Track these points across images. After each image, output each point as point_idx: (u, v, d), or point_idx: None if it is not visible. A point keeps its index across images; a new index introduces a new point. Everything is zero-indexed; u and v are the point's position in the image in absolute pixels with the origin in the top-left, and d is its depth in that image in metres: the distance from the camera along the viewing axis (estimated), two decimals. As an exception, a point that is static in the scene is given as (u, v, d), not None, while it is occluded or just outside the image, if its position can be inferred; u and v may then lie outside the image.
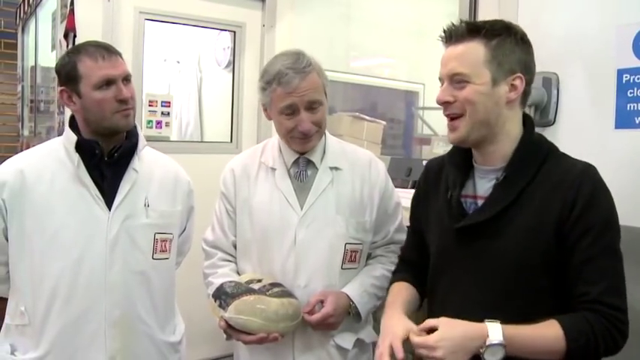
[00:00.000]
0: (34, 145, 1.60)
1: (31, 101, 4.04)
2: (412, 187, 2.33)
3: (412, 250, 1.38)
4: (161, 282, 1.54)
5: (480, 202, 1.18)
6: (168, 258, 1.56)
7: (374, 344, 1.45)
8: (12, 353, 1.44)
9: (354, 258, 1.51)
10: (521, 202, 1.12)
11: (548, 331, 1.04)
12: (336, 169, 1.52)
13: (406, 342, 1.08)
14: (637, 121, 1.41)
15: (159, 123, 3.17)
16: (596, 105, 1.50)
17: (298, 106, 1.40)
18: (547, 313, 1.07)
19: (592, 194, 1.08)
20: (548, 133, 1.61)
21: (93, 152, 1.44)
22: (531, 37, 1.45)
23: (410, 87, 4.25)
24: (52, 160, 1.45)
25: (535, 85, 1.59)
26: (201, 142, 3.80)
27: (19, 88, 4.61)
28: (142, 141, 1.52)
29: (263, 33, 3.15)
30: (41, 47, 3.69)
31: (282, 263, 1.47)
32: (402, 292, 1.30)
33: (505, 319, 1.04)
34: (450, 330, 1.03)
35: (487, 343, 1.00)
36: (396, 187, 1.63)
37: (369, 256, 1.58)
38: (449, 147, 1.30)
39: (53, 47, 3.07)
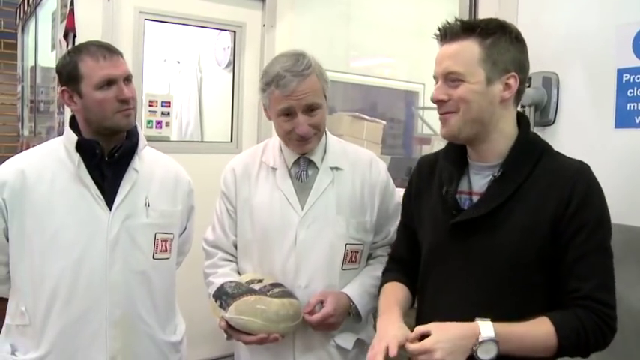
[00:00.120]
0: (34, 146, 1.60)
1: (31, 101, 4.04)
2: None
3: (403, 248, 1.37)
4: (162, 282, 1.54)
5: (476, 199, 1.18)
6: (169, 258, 1.56)
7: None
8: (13, 353, 1.44)
9: (354, 258, 1.51)
10: (517, 199, 1.13)
11: (540, 328, 1.05)
12: (337, 169, 1.52)
13: (401, 349, 1.08)
14: (637, 121, 1.41)
15: (159, 123, 3.17)
16: (595, 104, 1.50)
17: (295, 109, 1.40)
18: (539, 310, 1.09)
19: (586, 193, 1.10)
20: (548, 133, 1.61)
21: (93, 152, 1.44)
22: (531, 36, 1.45)
23: (410, 87, 4.25)
24: (53, 160, 1.45)
25: (535, 84, 1.60)
26: (202, 142, 3.80)
27: (19, 89, 4.61)
28: (142, 141, 1.52)
29: (263, 33, 3.15)
30: (41, 47, 3.69)
31: (283, 263, 1.47)
32: (396, 293, 1.29)
33: (498, 315, 1.05)
34: (444, 332, 1.04)
35: (479, 339, 1.01)
36: (396, 186, 1.63)
37: (370, 257, 1.58)
38: (449, 146, 1.30)
39: (53, 47, 3.07)
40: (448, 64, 1.13)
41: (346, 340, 1.50)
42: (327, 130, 1.57)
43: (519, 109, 1.65)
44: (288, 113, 1.41)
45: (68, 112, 1.61)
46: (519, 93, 1.17)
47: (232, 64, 3.20)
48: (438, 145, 2.92)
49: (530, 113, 1.59)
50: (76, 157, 1.43)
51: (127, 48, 2.55)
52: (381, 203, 1.54)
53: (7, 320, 1.48)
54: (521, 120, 1.21)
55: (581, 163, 1.16)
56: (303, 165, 1.51)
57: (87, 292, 1.41)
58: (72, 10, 2.57)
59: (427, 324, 1.07)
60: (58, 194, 1.42)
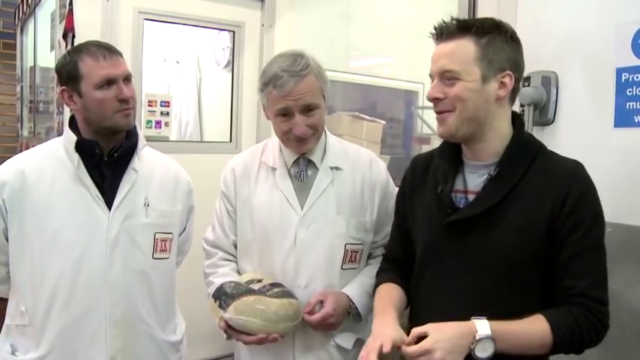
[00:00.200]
0: (33, 146, 1.60)
1: (30, 102, 4.04)
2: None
3: (397, 247, 1.37)
4: (161, 281, 1.54)
5: (471, 197, 1.18)
6: (169, 257, 1.56)
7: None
8: (12, 353, 1.44)
9: (354, 258, 1.51)
10: (513, 198, 1.13)
11: (535, 326, 1.06)
12: (337, 168, 1.52)
13: (396, 350, 1.08)
14: (636, 120, 1.41)
15: (158, 123, 3.17)
16: (595, 104, 1.50)
17: (293, 109, 1.40)
18: (535, 308, 1.10)
19: (582, 192, 1.11)
20: (548, 132, 1.61)
21: (93, 152, 1.44)
22: (530, 36, 1.45)
23: (409, 86, 4.25)
24: (52, 161, 1.45)
25: (534, 83, 1.60)
26: (201, 141, 3.79)
27: (18, 89, 4.60)
28: (141, 141, 1.52)
29: (262, 33, 3.15)
30: (40, 47, 3.69)
31: (283, 263, 1.47)
32: (391, 294, 1.29)
33: (493, 314, 1.06)
34: (441, 332, 1.04)
35: (476, 337, 1.02)
36: (396, 186, 1.63)
37: (370, 256, 1.58)
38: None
39: (52, 47, 3.07)
40: (444, 62, 1.14)
41: (346, 340, 1.50)
42: (326, 129, 1.57)
43: (519, 108, 1.66)
44: (286, 113, 1.41)
45: (67, 113, 1.60)
46: (514, 92, 1.18)
47: (231, 63, 3.19)
48: (438, 144, 2.92)
49: (529, 112, 1.59)
50: (76, 157, 1.43)
51: (126, 48, 2.55)
52: (381, 203, 1.54)
53: (7, 320, 1.48)
54: (516, 119, 1.21)
55: (575, 162, 1.16)
56: (302, 165, 1.51)
57: (87, 292, 1.41)
58: (71, 11, 2.57)
59: (423, 325, 1.07)
60: (57, 194, 1.41)
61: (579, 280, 1.08)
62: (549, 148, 1.59)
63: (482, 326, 1.03)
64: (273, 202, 1.49)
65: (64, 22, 2.63)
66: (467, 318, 1.06)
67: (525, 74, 1.61)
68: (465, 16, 1.81)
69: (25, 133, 4.29)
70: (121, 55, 1.46)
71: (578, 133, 1.54)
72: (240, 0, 3.08)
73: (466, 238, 1.16)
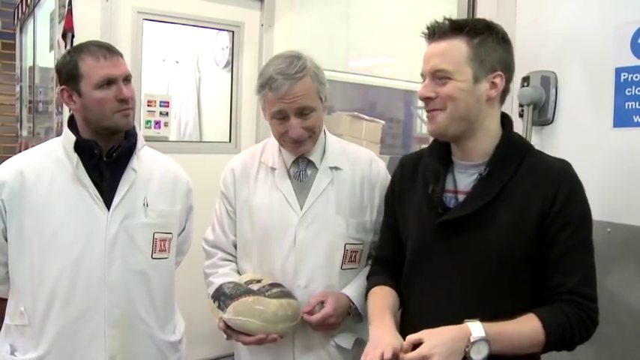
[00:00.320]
0: (32, 146, 1.60)
1: (30, 102, 4.03)
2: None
3: (387, 248, 1.37)
4: (160, 281, 1.54)
5: (461, 197, 1.19)
6: (168, 257, 1.56)
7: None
8: (12, 353, 1.44)
9: (354, 258, 1.51)
10: (503, 197, 1.14)
11: (528, 325, 1.08)
12: (336, 168, 1.52)
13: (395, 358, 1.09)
14: (635, 120, 1.41)
15: (157, 123, 3.17)
16: (594, 103, 1.50)
17: (288, 112, 1.40)
18: (526, 307, 1.11)
19: (570, 190, 1.12)
20: (547, 132, 1.61)
21: (92, 152, 1.44)
22: (530, 36, 1.45)
23: (409, 86, 4.25)
24: (51, 161, 1.45)
25: (533, 83, 1.60)
26: (200, 142, 3.79)
27: (18, 89, 4.60)
28: (140, 141, 1.52)
29: (262, 33, 3.15)
30: (39, 47, 3.69)
31: (282, 263, 1.47)
32: (385, 298, 1.28)
33: (486, 314, 1.07)
34: (437, 337, 1.04)
35: (471, 340, 1.02)
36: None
37: (370, 256, 1.58)
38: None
39: (51, 47, 3.07)
40: (436, 62, 1.14)
41: (346, 340, 1.50)
42: (326, 129, 1.57)
43: (518, 108, 1.66)
44: (282, 116, 1.41)
45: (67, 113, 1.60)
46: (505, 92, 1.19)
47: (231, 64, 3.19)
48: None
49: (528, 112, 1.59)
50: (75, 157, 1.43)
51: (125, 48, 2.54)
52: (381, 203, 1.54)
53: (7, 320, 1.48)
54: (505, 120, 1.23)
55: (563, 161, 1.18)
56: (302, 165, 1.51)
57: (86, 292, 1.41)
58: (70, 11, 2.57)
59: (417, 332, 1.07)
60: (56, 195, 1.41)
61: (569, 278, 1.10)
62: (548, 148, 1.59)
63: (475, 328, 1.04)
64: (272, 203, 1.49)
65: (63, 22, 2.63)
66: (459, 318, 1.07)
67: (524, 74, 1.62)
68: (464, 16, 1.81)
69: (25, 133, 4.29)
70: (121, 55, 1.46)
71: (577, 133, 1.54)
72: (239, 0, 3.07)
73: (457, 238, 1.16)
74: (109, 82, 1.40)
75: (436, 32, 1.16)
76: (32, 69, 3.93)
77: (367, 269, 1.53)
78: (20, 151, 1.72)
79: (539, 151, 1.23)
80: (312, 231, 1.46)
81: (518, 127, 1.63)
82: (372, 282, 1.36)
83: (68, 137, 1.45)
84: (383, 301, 1.27)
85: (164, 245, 1.53)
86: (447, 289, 1.17)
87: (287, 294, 1.42)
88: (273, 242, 1.48)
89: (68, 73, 1.42)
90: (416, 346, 1.04)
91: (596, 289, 1.12)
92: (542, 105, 1.59)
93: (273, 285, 1.44)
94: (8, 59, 4.83)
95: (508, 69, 1.18)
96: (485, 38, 1.14)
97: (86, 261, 1.41)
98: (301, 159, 1.51)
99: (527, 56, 1.64)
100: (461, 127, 1.16)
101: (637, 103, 1.40)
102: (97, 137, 1.45)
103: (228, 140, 3.17)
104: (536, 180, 1.14)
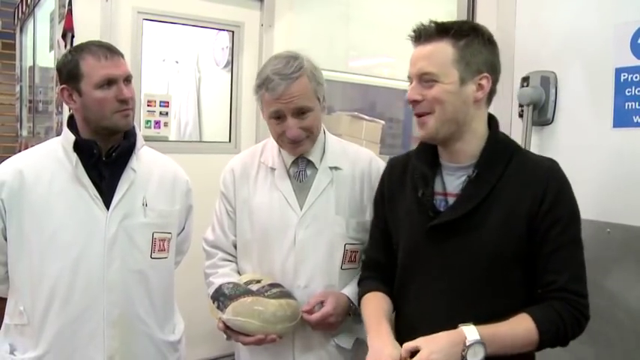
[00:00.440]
0: (32, 146, 1.60)
1: (30, 101, 4.03)
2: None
3: (378, 252, 1.35)
4: (160, 281, 1.54)
5: (451, 199, 1.20)
6: (167, 257, 1.56)
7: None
8: (11, 353, 1.44)
9: (353, 258, 1.50)
10: (493, 198, 1.15)
11: (521, 326, 1.09)
12: (336, 168, 1.52)
13: None
14: (635, 120, 1.40)
15: (157, 123, 3.17)
16: (594, 104, 1.50)
17: (284, 112, 1.40)
18: (520, 305, 1.12)
19: (559, 189, 1.14)
20: (547, 132, 1.61)
21: (91, 152, 1.44)
22: (529, 36, 1.45)
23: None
24: (51, 161, 1.45)
25: (533, 83, 1.60)
26: (200, 142, 3.79)
27: (18, 89, 4.60)
28: (139, 141, 1.52)
29: (261, 33, 3.15)
30: (39, 47, 3.69)
31: (282, 263, 1.47)
32: (381, 305, 1.27)
33: (481, 314, 1.08)
34: (434, 343, 1.05)
35: (467, 343, 1.03)
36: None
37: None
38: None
39: (51, 47, 3.07)
40: (422, 64, 1.15)
41: (346, 340, 1.50)
42: (325, 129, 1.57)
43: (518, 108, 1.66)
44: (279, 116, 1.41)
45: (67, 113, 1.60)
46: (491, 94, 1.20)
47: (231, 64, 3.19)
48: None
49: (528, 112, 1.59)
50: (74, 156, 1.43)
51: (125, 48, 2.54)
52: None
53: (6, 320, 1.48)
54: (491, 120, 1.23)
55: (551, 160, 1.19)
56: (301, 165, 1.51)
57: (85, 292, 1.41)
58: (70, 10, 2.57)
59: (413, 337, 1.07)
60: (56, 194, 1.42)
61: (560, 276, 1.11)
62: (548, 148, 1.59)
63: (470, 332, 1.05)
64: (272, 203, 1.49)
65: (63, 22, 2.63)
66: (454, 319, 1.08)
67: (524, 74, 1.62)
68: (464, 17, 1.81)
69: (25, 133, 4.29)
70: (122, 55, 1.47)
71: (577, 133, 1.54)
72: (239, 0, 3.07)
73: (449, 240, 1.17)
74: (110, 82, 1.40)
75: (422, 35, 1.17)
76: (32, 69, 3.93)
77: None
78: (20, 151, 1.71)
79: (526, 150, 1.24)
80: (311, 231, 1.46)
81: (518, 127, 1.64)
82: (364, 288, 1.35)
83: (67, 137, 1.45)
84: (378, 308, 1.27)
85: (163, 245, 1.53)
86: (441, 291, 1.17)
87: (286, 294, 1.42)
88: (273, 242, 1.48)
89: (69, 73, 1.42)
90: (414, 353, 1.05)
91: (586, 285, 1.14)
92: (542, 105, 1.59)
93: (272, 285, 1.43)
94: (8, 59, 4.83)
95: (494, 70, 1.18)
96: (471, 40, 1.15)
97: (85, 261, 1.41)
98: (301, 159, 1.51)
99: (527, 56, 1.64)
100: (450, 130, 1.17)
101: (637, 104, 1.40)
102: (96, 137, 1.45)
103: (228, 140, 3.17)
104: (525, 179, 1.15)
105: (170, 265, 1.60)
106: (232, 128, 3.14)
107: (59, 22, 2.77)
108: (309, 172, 1.52)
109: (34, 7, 3.72)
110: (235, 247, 1.57)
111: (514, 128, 1.66)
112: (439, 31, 1.15)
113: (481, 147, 1.19)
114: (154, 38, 3.35)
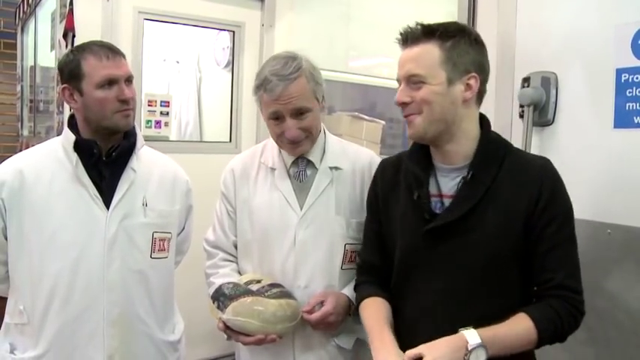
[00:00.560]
0: (33, 145, 1.60)
1: (31, 101, 4.04)
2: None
3: (374, 255, 1.34)
4: (160, 281, 1.54)
5: (446, 201, 1.20)
6: (167, 257, 1.56)
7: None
8: (11, 352, 1.44)
9: (354, 258, 1.50)
10: (488, 199, 1.16)
11: (520, 325, 1.10)
12: (336, 169, 1.52)
13: None
14: (635, 121, 1.40)
15: (158, 123, 3.17)
16: (594, 104, 1.50)
17: (283, 113, 1.40)
18: (518, 304, 1.13)
19: (553, 188, 1.15)
20: (547, 133, 1.61)
21: (91, 152, 1.44)
22: (530, 36, 1.45)
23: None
24: (51, 160, 1.45)
25: (534, 84, 1.60)
26: (201, 141, 3.80)
27: (19, 88, 4.61)
28: (140, 140, 1.52)
29: (262, 33, 3.15)
30: (40, 47, 3.69)
31: (282, 263, 1.47)
32: (381, 311, 1.26)
33: (480, 314, 1.09)
34: (436, 350, 1.05)
35: (469, 347, 1.04)
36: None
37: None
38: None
39: (52, 47, 3.07)
40: (410, 67, 1.16)
41: (346, 340, 1.50)
42: (326, 129, 1.57)
43: (518, 109, 1.66)
44: (277, 117, 1.41)
45: (67, 112, 1.61)
46: (481, 94, 1.20)
47: (231, 64, 3.19)
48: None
49: (529, 113, 1.59)
50: (74, 156, 1.43)
51: (126, 48, 2.53)
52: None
53: (6, 319, 1.48)
54: (483, 120, 1.23)
55: (544, 159, 1.20)
56: (301, 165, 1.51)
57: (85, 292, 1.41)
58: (71, 10, 2.57)
59: (415, 348, 1.07)
60: (56, 194, 1.42)
61: (556, 273, 1.13)
62: (549, 148, 1.59)
63: (471, 336, 1.05)
64: (272, 203, 1.49)
65: (64, 22, 2.63)
66: (453, 319, 1.09)
67: (525, 74, 1.62)
68: (464, 17, 1.81)
69: (26, 132, 4.30)
70: (123, 56, 1.47)
71: (577, 134, 1.54)
72: (240, 0, 3.08)
73: (446, 242, 1.17)
74: (111, 82, 1.40)
75: (409, 38, 1.17)
76: (33, 68, 3.94)
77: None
78: (21, 151, 1.72)
79: (518, 149, 1.25)
80: (311, 231, 1.46)
81: (519, 127, 1.64)
82: (362, 293, 1.34)
83: (68, 137, 1.45)
84: (378, 314, 1.26)
85: (163, 245, 1.53)
86: (439, 291, 1.18)
87: (286, 294, 1.42)
88: (273, 242, 1.48)
89: (70, 72, 1.42)
90: None
91: (581, 282, 1.15)
92: (542, 106, 1.59)
93: (272, 285, 1.43)
94: (9, 59, 4.84)
95: (482, 70, 1.19)
96: (457, 41, 1.15)
97: (85, 260, 1.41)
98: (301, 159, 1.51)
99: (528, 56, 1.64)
100: (439, 129, 1.17)
101: (637, 104, 1.40)
102: (96, 137, 1.45)
103: (228, 140, 3.17)
104: (519, 179, 1.16)
105: (170, 265, 1.60)
106: (233, 128, 3.15)
107: (60, 21, 2.77)
108: (309, 172, 1.52)
109: (35, 7, 3.72)
110: (236, 247, 1.57)
111: (515, 129, 1.66)
112: (425, 33, 1.16)
113: (474, 148, 1.19)
114: (154, 38, 3.35)
